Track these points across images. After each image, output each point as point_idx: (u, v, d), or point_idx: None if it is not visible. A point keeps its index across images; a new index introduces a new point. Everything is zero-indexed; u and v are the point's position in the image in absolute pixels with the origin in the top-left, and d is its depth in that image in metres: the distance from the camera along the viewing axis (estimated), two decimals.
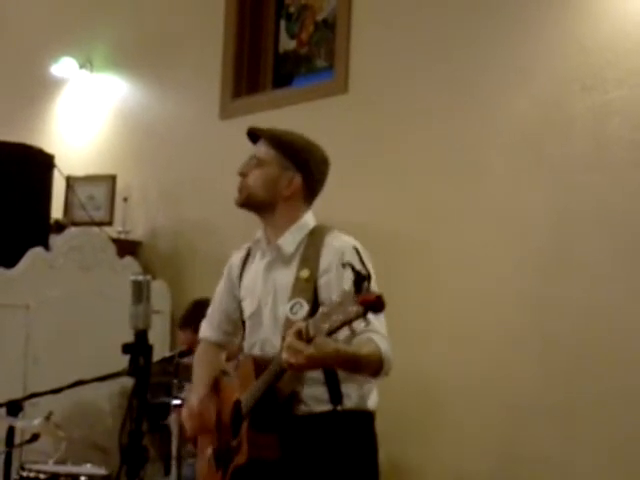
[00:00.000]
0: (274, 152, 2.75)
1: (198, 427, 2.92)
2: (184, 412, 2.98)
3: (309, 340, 2.26)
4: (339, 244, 2.65)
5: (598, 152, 3.63)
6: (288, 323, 2.45)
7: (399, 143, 4.34)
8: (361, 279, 2.13)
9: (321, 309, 2.24)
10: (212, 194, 5.22)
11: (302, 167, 2.75)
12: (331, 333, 2.19)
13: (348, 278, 2.19)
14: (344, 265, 2.24)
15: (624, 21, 3.59)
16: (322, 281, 2.59)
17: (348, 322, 2.14)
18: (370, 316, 2.33)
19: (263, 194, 2.75)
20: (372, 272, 2.55)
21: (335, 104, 4.67)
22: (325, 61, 5.09)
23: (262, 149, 2.78)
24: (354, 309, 2.11)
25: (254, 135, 2.84)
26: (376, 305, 2.12)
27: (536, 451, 3.64)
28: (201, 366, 3.01)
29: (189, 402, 2.96)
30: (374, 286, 2.45)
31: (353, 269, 2.15)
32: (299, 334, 2.28)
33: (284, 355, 2.32)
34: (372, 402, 2.72)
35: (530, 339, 3.76)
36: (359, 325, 2.17)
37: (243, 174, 2.79)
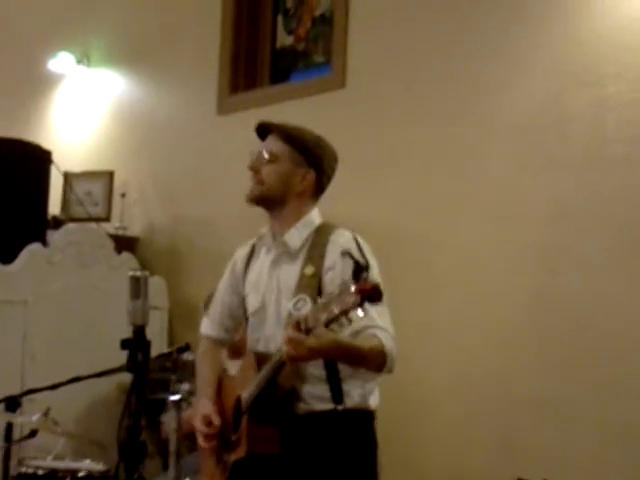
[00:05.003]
0: (287, 147, 2.71)
1: (213, 432, 2.77)
2: (196, 419, 2.80)
3: (308, 331, 2.24)
4: (343, 240, 2.60)
5: (596, 147, 3.63)
6: (290, 319, 2.43)
7: (397, 137, 4.35)
8: (359, 269, 2.11)
9: (319, 300, 2.22)
10: (210, 190, 5.22)
11: (315, 163, 2.72)
12: (329, 323, 2.16)
13: (348, 267, 2.16)
14: (343, 254, 2.21)
15: (621, 16, 3.59)
16: (327, 278, 2.54)
17: (345, 312, 2.10)
18: (371, 310, 2.32)
19: (277, 189, 2.71)
20: (373, 263, 2.53)
21: (333, 99, 4.67)
22: (322, 56, 5.09)
23: (275, 144, 2.74)
24: (351, 299, 2.08)
25: (263, 130, 2.80)
26: (372, 294, 2.07)
27: (533, 442, 3.66)
28: (206, 367, 2.95)
29: (199, 408, 2.81)
30: (376, 277, 2.44)
31: (352, 257, 2.13)
32: (298, 326, 2.27)
33: (284, 348, 2.31)
34: (373, 401, 2.71)
35: (528, 331, 3.77)
36: (359, 319, 2.13)
37: (254, 169, 2.75)
